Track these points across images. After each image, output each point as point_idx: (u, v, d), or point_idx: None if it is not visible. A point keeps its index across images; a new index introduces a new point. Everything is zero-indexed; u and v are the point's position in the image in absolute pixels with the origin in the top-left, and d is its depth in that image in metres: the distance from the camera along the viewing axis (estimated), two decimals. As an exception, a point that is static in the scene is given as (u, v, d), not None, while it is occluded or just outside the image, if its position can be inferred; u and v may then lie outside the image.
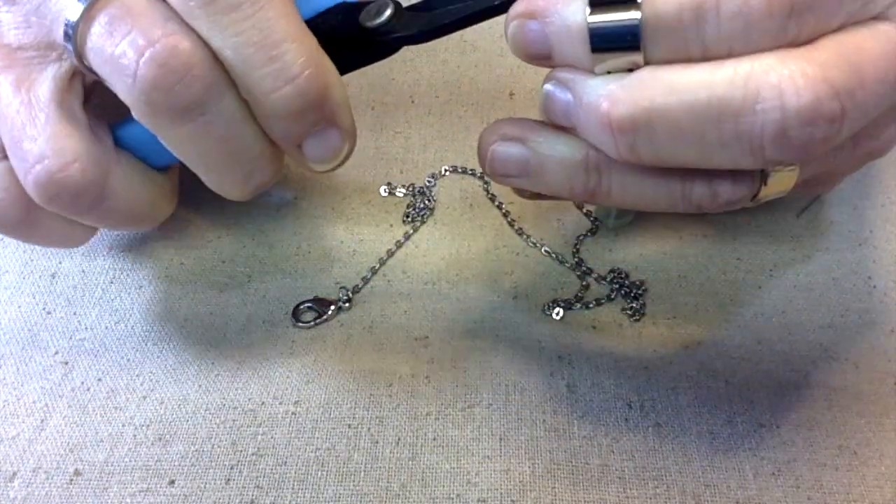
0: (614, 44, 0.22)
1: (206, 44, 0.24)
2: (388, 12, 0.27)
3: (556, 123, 0.25)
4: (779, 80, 0.20)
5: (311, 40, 0.25)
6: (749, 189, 0.24)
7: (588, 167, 0.25)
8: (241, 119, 0.26)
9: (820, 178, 0.27)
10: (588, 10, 0.22)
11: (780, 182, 0.25)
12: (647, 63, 0.22)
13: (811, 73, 0.20)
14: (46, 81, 0.27)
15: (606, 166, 0.25)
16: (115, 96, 0.26)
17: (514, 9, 0.24)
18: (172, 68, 0.24)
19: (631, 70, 0.22)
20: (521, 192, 0.29)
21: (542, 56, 0.24)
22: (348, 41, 0.27)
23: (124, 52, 0.24)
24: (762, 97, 0.20)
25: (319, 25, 0.26)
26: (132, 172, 0.28)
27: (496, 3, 0.25)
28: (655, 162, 0.23)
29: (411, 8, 0.27)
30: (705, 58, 0.21)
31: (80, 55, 0.25)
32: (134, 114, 0.25)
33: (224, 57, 0.24)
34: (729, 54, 0.21)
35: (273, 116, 0.25)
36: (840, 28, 0.21)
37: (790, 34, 0.21)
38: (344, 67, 0.27)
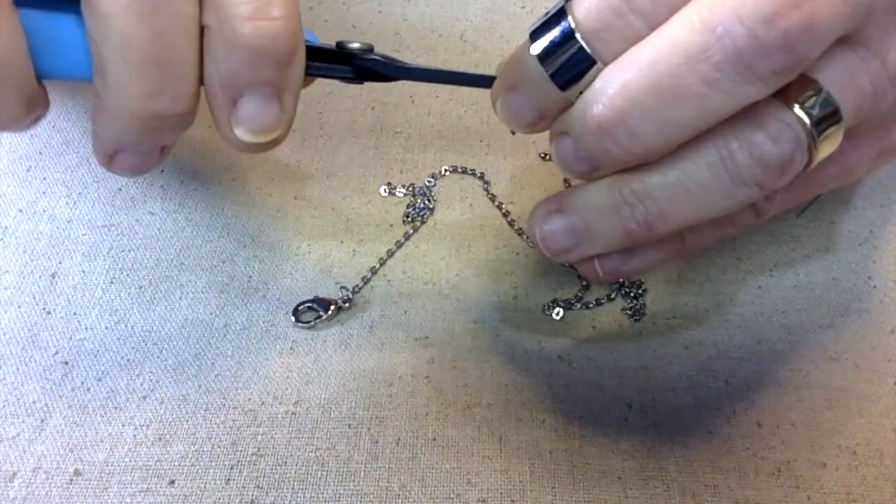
0: (574, 70, 0.23)
1: None
2: (364, 46, 0.27)
3: (580, 174, 0.25)
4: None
5: (298, 10, 0.24)
6: (792, 142, 0.22)
7: (626, 199, 0.24)
8: (189, 30, 0.24)
9: (833, 175, 0.27)
10: (538, 62, 0.23)
11: (830, 141, 0.23)
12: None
13: None
14: None
15: (642, 187, 0.24)
16: None
17: (493, 89, 0.25)
18: None
19: None
20: (602, 274, 0.28)
21: (534, 121, 0.25)
22: (322, 51, 0.27)
23: None
24: (717, 21, 0.20)
25: None
26: (19, 45, 0.24)
27: (477, 75, 0.27)
28: (666, 139, 0.23)
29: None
30: (654, 28, 0.22)
31: None
32: None
33: None
34: (672, 12, 0.21)
35: (232, 48, 0.24)
36: None
37: None
38: (310, 69, 0.26)
